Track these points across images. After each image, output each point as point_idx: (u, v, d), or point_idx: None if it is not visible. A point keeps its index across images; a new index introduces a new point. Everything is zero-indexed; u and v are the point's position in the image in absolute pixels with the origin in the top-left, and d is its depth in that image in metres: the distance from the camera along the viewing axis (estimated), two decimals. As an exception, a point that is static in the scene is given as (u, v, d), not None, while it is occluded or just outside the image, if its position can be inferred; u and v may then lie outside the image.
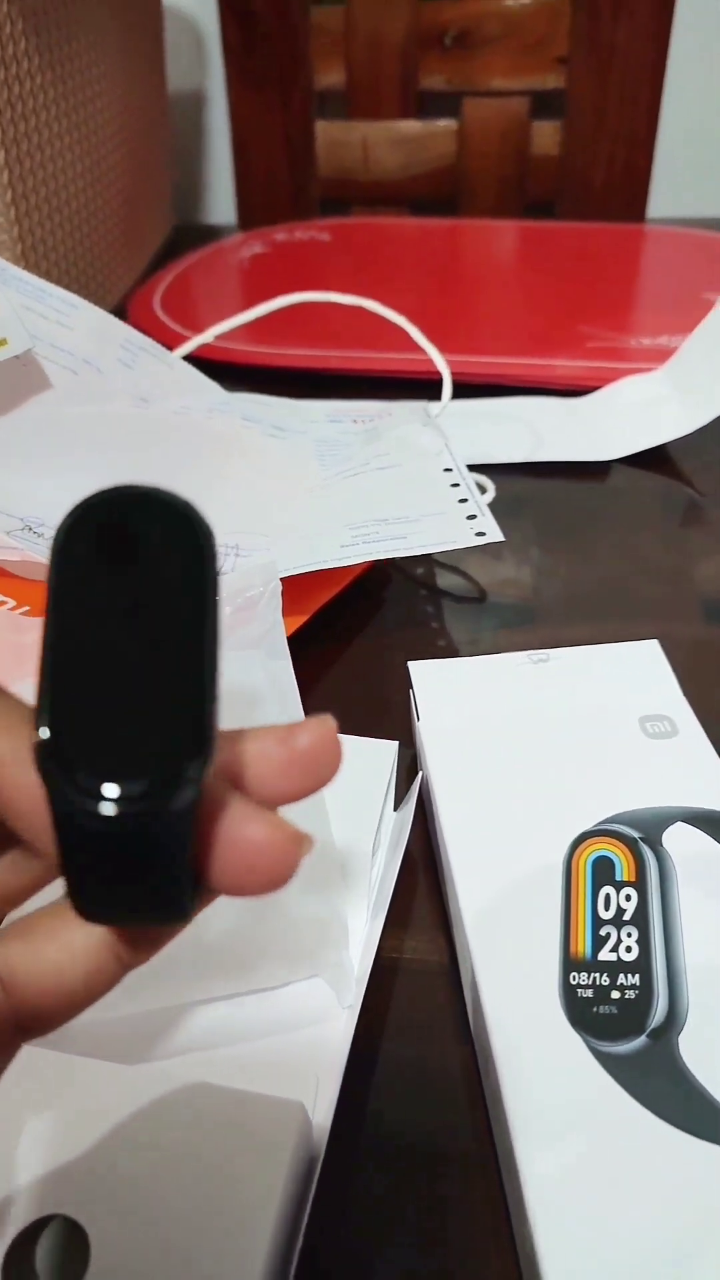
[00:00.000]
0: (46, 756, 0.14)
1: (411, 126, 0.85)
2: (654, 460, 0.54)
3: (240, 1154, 0.22)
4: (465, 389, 0.58)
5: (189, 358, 0.51)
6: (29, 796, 0.15)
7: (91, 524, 0.15)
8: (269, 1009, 0.28)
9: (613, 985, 0.25)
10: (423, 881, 0.33)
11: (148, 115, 0.73)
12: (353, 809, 0.32)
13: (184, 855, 0.15)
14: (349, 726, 0.39)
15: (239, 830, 0.16)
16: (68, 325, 0.43)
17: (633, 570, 0.47)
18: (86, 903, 0.15)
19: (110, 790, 0.14)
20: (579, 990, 0.25)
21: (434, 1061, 0.28)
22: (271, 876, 0.16)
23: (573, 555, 0.48)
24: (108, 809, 0.14)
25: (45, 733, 0.14)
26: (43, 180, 0.55)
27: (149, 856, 0.14)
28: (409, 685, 0.35)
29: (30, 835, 0.15)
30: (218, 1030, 0.27)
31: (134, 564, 0.15)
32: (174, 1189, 0.22)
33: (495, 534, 0.38)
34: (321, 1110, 0.25)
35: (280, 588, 0.33)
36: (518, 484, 0.51)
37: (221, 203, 0.93)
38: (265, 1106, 0.23)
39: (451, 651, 0.43)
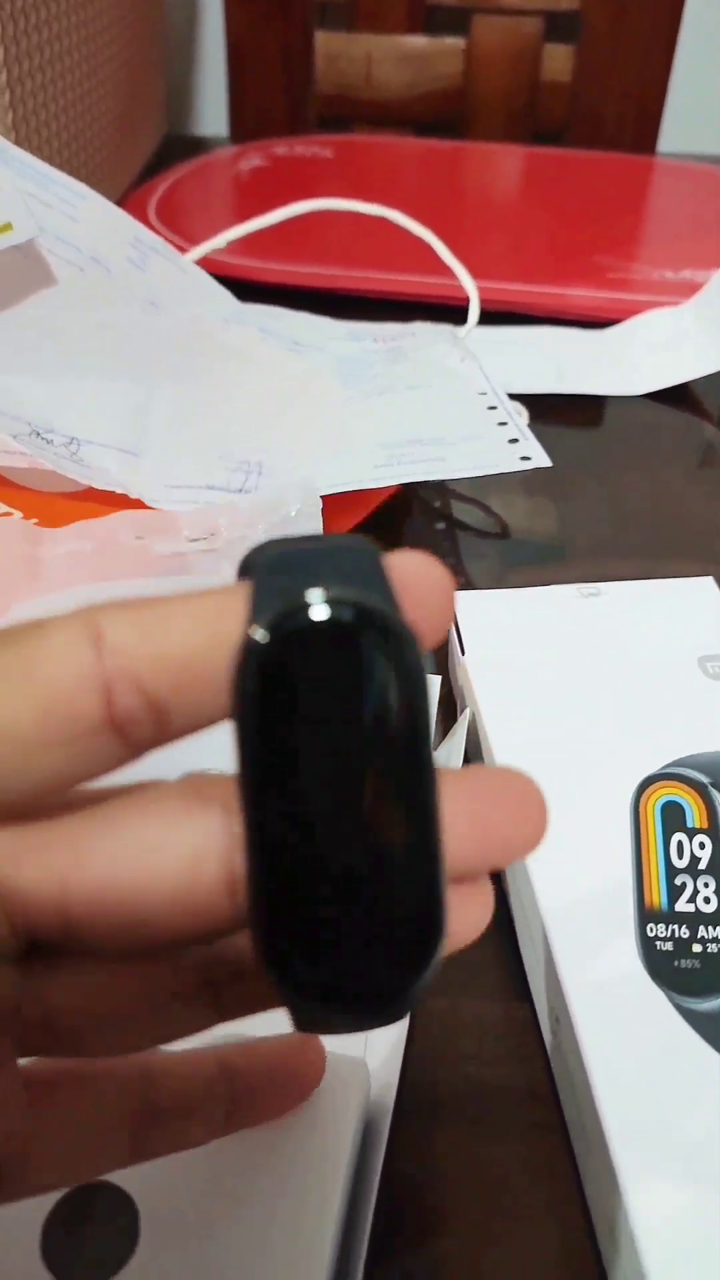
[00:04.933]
0: (279, 980, 0.12)
1: (418, 42, 0.81)
2: (678, 396, 0.52)
3: (302, 1116, 0.20)
4: (482, 316, 0.55)
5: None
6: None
7: (280, 671, 0.12)
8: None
9: (693, 938, 0.24)
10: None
11: (143, 14, 0.68)
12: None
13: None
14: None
15: None
16: (74, 217, 0.39)
17: (660, 509, 0.45)
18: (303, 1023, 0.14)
19: (342, 1010, 0.13)
20: (658, 943, 0.23)
21: (479, 1018, 0.26)
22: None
23: (598, 492, 0.46)
24: (340, 1024, 0.13)
25: (275, 968, 0.12)
26: (39, 66, 0.50)
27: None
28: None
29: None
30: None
31: (332, 720, 0.12)
32: (232, 1155, 0.20)
33: (542, 459, 0.35)
34: (378, 1064, 0.23)
35: (321, 506, 0.30)
36: (539, 415, 0.49)
37: (213, 114, 0.88)
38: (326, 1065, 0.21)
39: (476, 587, 0.40)
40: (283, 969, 0.12)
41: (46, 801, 0.13)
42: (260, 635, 0.12)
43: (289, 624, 0.12)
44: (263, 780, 0.12)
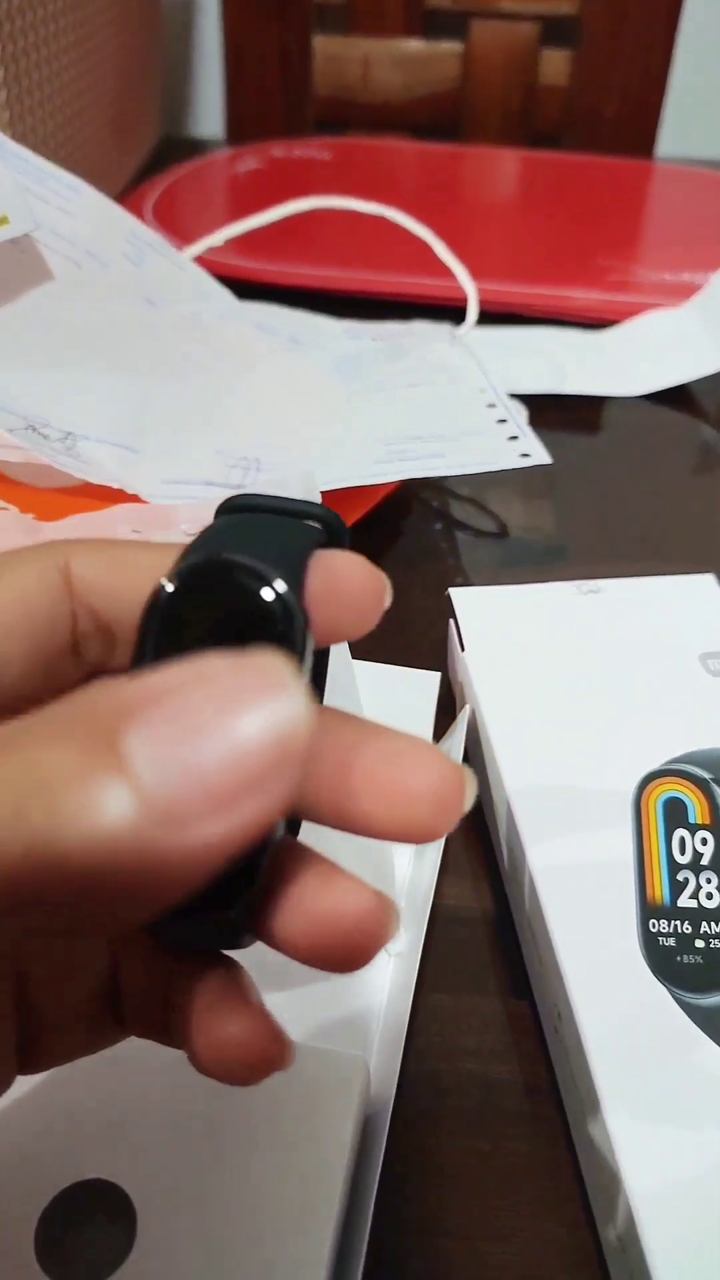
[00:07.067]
0: None
1: (415, 46, 0.81)
2: (677, 397, 0.51)
3: (300, 1114, 0.20)
4: (481, 317, 0.54)
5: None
6: None
7: (170, 611, 0.14)
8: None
9: (696, 934, 0.23)
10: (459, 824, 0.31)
11: (140, 14, 0.68)
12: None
13: (254, 889, 0.14)
14: (373, 657, 0.36)
15: (318, 901, 0.14)
16: (70, 212, 0.39)
17: (659, 509, 0.44)
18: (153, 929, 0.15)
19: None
20: (660, 938, 0.23)
21: (480, 1014, 0.26)
22: (361, 954, 0.14)
23: (596, 492, 0.45)
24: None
25: None
26: (35, 64, 0.50)
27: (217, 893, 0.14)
28: (450, 614, 0.32)
29: None
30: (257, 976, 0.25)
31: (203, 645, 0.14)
32: (230, 1152, 0.19)
33: (541, 455, 0.35)
34: (379, 1064, 0.23)
35: (321, 499, 0.30)
36: (538, 417, 0.49)
37: (209, 116, 0.88)
38: (324, 1061, 0.21)
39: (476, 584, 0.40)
40: None
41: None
42: (164, 582, 0.15)
43: (179, 572, 0.15)
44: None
